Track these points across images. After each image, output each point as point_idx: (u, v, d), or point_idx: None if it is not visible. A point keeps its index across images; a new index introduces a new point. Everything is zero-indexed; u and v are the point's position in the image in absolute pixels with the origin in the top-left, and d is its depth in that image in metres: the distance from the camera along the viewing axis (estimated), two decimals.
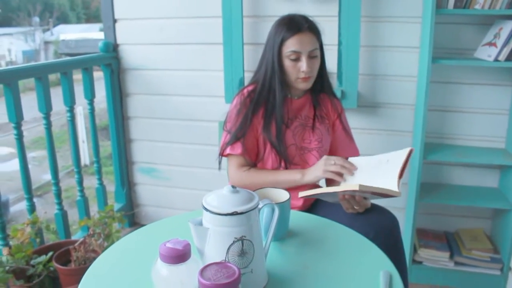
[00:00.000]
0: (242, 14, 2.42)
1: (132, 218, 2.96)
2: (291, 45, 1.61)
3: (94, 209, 2.70)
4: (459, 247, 2.44)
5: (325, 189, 1.40)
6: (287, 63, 1.63)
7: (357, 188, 1.24)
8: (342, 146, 1.82)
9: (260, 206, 0.99)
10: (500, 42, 2.14)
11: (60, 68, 2.35)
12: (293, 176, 1.62)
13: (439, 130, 2.47)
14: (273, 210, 1.06)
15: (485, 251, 2.40)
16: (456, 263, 2.41)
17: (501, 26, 2.17)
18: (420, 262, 2.45)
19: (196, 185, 2.81)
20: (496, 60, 2.14)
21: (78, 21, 28.54)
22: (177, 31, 2.63)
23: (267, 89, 1.67)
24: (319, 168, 1.54)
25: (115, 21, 2.72)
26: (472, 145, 2.47)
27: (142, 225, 2.90)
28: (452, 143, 2.49)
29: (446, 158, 2.35)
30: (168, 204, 2.91)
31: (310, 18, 1.70)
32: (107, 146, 2.76)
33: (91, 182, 2.73)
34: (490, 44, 2.19)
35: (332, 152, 1.81)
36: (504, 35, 2.13)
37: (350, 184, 1.36)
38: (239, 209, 0.93)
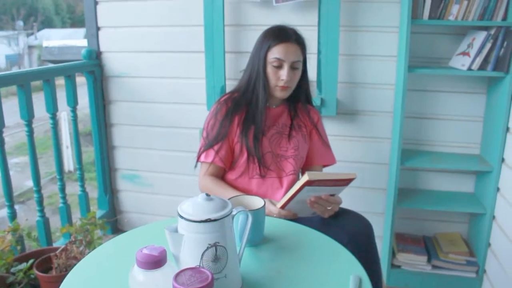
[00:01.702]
0: (223, 23, 2.46)
1: (115, 225, 2.97)
2: (276, 52, 1.67)
3: (77, 215, 2.72)
4: (436, 251, 2.50)
5: (288, 194, 1.46)
6: (269, 69, 1.69)
7: (307, 178, 1.31)
8: (318, 154, 1.86)
9: (234, 213, 1.03)
10: (473, 52, 2.21)
11: (42, 76, 2.36)
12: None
13: (416, 136, 2.53)
14: (247, 217, 1.09)
15: (462, 254, 2.45)
16: (434, 267, 2.47)
17: (474, 36, 2.24)
18: (399, 266, 2.50)
19: (179, 191, 2.84)
20: (469, 69, 2.21)
21: (63, 25, 28.33)
22: (160, 39, 2.66)
23: (250, 94, 1.73)
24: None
25: (98, 28, 2.74)
26: (448, 151, 2.53)
27: (125, 232, 2.93)
28: (429, 149, 2.55)
29: (423, 164, 2.41)
30: (151, 211, 2.93)
31: (299, 33, 1.76)
32: (91, 152, 2.77)
33: (75, 189, 2.73)
34: (464, 53, 2.26)
35: (308, 160, 1.86)
36: (476, 45, 2.20)
37: (301, 179, 1.39)
38: (213, 216, 0.96)
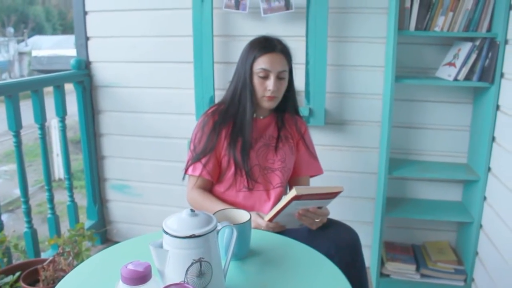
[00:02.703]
0: (212, 33, 2.47)
1: (104, 235, 2.96)
2: (262, 62, 1.67)
3: (67, 223, 2.71)
4: (425, 260, 2.51)
5: (275, 208, 1.46)
6: (256, 80, 1.69)
7: (295, 193, 1.32)
8: (305, 165, 1.87)
9: (219, 228, 1.03)
10: (459, 63, 2.23)
11: (31, 86, 2.35)
12: None
13: (404, 146, 2.55)
14: (232, 231, 1.10)
15: (450, 263, 2.47)
16: (422, 275, 2.48)
17: (459, 47, 2.27)
18: (388, 275, 2.51)
19: (168, 201, 2.84)
20: (455, 79, 2.24)
21: (54, 32, 28.21)
22: (149, 50, 2.67)
23: (237, 106, 1.72)
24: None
25: (87, 38, 2.75)
26: (436, 160, 2.56)
27: (115, 242, 2.91)
28: (417, 159, 2.57)
29: (411, 174, 2.43)
30: (141, 221, 2.92)
31: (284, 43, 1.76)
32: (82, 160, 2.77)
33: (65, 197, 2.72)
34: (450, 64, 2.29)
35: (295, 171, 1.86)
36: (462, 56, 2.23)
37: (289, 194, 1.40)
38: (197, 232, 0.97)
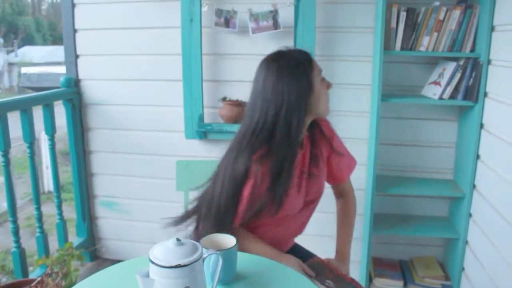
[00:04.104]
0: (201, 52, 2.50)
1: (94, 252, 2.95)
2: (318, 71, 1.48)
3: (56, 237, 2.69)
4: (412, 276, 2.54)
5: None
6: (321, 92, 1.47)
7: None
8: (344, 169, 1.75)
9: (204, 255, 1.05)
10: (443, 82, 2.28)
11: (20, 105, 2.35)
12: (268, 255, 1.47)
13: (391, 163, 2.58)
14: (218, 259, 1.11)
15: (437, 278, 2.50)
16: None
17: (444, 66, 2.32)
18: None
19: (157, 218, 2.82)
20: (441, 98, 2.28)
21: (44, 42, 28.16)
22: (139, 68, 2.68)
23: (281, 142, 1.42)
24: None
25: (77, 56, 2.76)
26: (422, 176, 2.59)
27: (104, 260, 2.92)
28: (404, 175, 2.60)
29: (398, 191, 2.46)
30: (130, 238, 2.92)
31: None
32: (71, 173, 2.77)
33: (54, 210, 2.71)
34: (435, 83, 2.33)
35: (335, 179, 1.76)
36: (447, 75, 2.27)
37: None
38: (183, 261, 0.98)
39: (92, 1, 2.67)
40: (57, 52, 21.69)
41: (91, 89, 2.78)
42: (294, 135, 1.42)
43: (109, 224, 2.95)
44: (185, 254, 1.00)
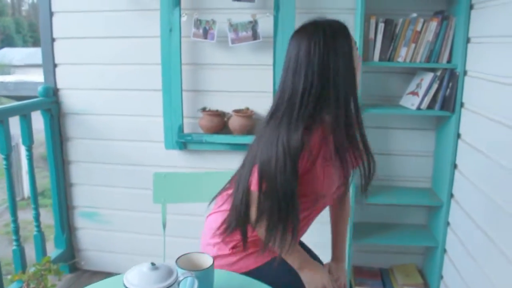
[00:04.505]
0: (180, 62, 2.49)
1: (73, 264, 2.92)
2: (352, 37, 1.39)
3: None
4: (392, 284, 2.56)
5: None
6: (356, 58, 1.40)
7: None
8: None
9: (180, 278, 1.04)
10: (421, 92, 2.30)
11: None
12: (295, 264, 1.49)
13: None
14: (193, 281, 1.11)
15: (416, 286, 2.52)
16: None
17: (422, 77, 2.34)
18: None
19: (138, 229, 2.82)
20: (418, 108, 2.31)
21: (25, 44, 27.72)
22: (118, 77, 2.66)
23: (335, 111, 1.35)
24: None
25: (55, 65, 2.72)
26: (401, 185, 2.61)
27: (84, 271, 2.89)
28: (383, 184, 2.62)
29: (378, 200, 2.47)
30: (110, 249, 2.89)
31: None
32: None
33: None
34: (413, 93, 2.36)
35: None
36: (424, 85, 2.30)
37: None
38: (158, 286, 0.97)
39: (71, 9, 2.64)
40: (38, 54, 21.29)
41: (70, 98, 2.75)
42: (344, 104, 1.34)
43: (89, 235, 2.92)
44: (160, 278, 1.00)
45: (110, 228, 2.87)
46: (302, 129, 1.29)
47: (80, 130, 2.77)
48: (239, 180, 1.39)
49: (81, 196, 2.87)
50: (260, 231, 1.38)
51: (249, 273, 1.46)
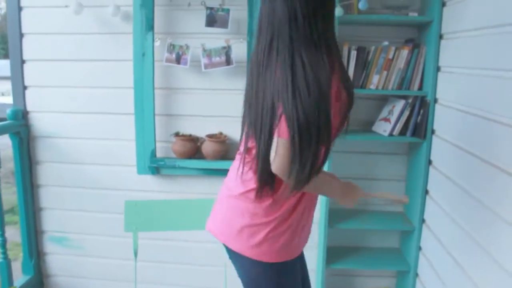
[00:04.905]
0: (153, 86, 2.47)
1: None
2: None
3: None
4: None
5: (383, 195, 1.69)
6: None
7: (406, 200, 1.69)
8: None
9: None
10: (393, 119, 2.33)
11: None
12: (333, 193, 1.54)
13: None
14: None
15: None
16: None
17: (394, 104, 2.37)
18: None
19: (110, 253, 2.76)
20: (390, 135, 2.33)
21: None
22: (89, 100, 2.62)
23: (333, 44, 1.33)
24: (353, 199, 1.56)
25: (25, 87, 2.67)
26: (374, 209, 2.63)
27: None
28: (356, 208, 2.63)
29: (351, 225, 2.47)
30: (82, 274, 2.82)
31: None
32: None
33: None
34: (385, 119, 2.38)
35: None
36: (396, 112, 2.33)
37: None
38: None
39: (41, 31, 2.60)
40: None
41: (40, 121, 2.69)
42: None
43: (59, 260, 2.84)
44: None
45: (81, 253, 2.80)
46: (327, 63, 1.23)
47: (50, 153, 2.71)
48: (258, 129, 1.29)
49: (50, 221, 2.80)
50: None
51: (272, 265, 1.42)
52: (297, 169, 1.23)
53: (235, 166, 1.47)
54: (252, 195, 1.38)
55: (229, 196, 1.47)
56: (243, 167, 1.40)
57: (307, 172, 1.23)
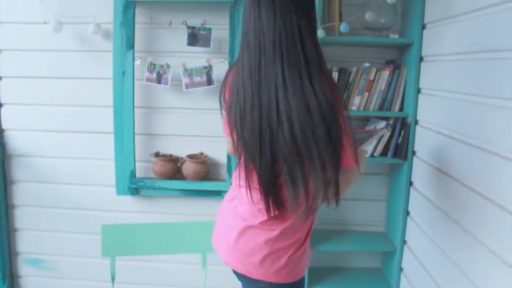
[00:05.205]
0: (133, 105, 2.43)
1: None
2: None
3: None
4: None
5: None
6: None
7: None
8: None
9: None
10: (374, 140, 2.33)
11: None
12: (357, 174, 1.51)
13: (325, 216, 2.58)
14: None
15: None
16: None
17: (375, 125, 2.38)
18: None
19: (87, 275, 2.70)
20: (372, 156, 2.33)
21: None
22: (67, 118, 2.56)
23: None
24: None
25: (0, 105, 2.60)
26: (356, 229, 2.63)
27: None
28: (338, 228, 2.62)
29: (332, 247, 2.45)
30: None
31: None
32: None
33: None
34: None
35: None
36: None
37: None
38: None
39: (18, 47, 2.54)
40: None
41: (16, 139, 2.62)
42: None
43: (34, 283, 2.76)
44: None
45: (57, 275, 2.72)
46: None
47: (26, 172, 2.64)
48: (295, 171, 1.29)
49: (25, 242, 2.72)
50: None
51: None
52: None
53: (242, 195, 1.46)
54: (272, 222, 1.41)
55: (247, 227, 1.45)
56: (251, 195, 1.40)
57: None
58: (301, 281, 1.51)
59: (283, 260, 1.42)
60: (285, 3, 1.26)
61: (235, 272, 1.52)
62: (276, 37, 1.26)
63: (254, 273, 1.43)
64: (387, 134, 2.31)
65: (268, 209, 1.37)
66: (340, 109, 1.30)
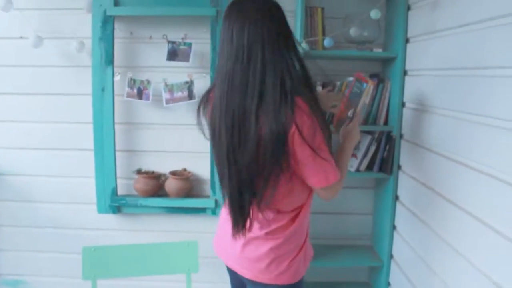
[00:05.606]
0: (113, 121, 2.38)
1: None
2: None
3: None
4: None
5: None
6: None
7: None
8: None
9: None
10: (360, 154, 2.31)
11: None
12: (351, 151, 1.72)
13: (315, 231, 2.55)
14: None
15: None
16: None
17: (360, 139, 2.34)
18: None
19: None
20: (357, 170, 2.30)
21: None
22: (46, 136, 2.50)
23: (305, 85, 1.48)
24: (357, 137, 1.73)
25: None
26: (343, 244, 2.59)
27: None
28: (324, 243, 2.57)
29: (318, 264, 2.40)
30: None
31: None
32: None
33: None
34: (352, 155, 2.35)
35: None
36: (362, 148, 2.31)
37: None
38: None
39: None
40: None
41: None
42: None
43: None
44: None
45: None
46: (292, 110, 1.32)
47: (3, 191, 2.56)
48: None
49: (4, 263, 2.64)
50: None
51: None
52: None
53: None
54: (278, 231, 1.49)
55: (253, 238, 1.51)
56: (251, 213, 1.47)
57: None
58: (301, 281, 1.58)
59: (286, 263, 1.50)
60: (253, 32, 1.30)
61: (235, 273, 1.60)
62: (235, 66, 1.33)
63: (261, 278, 1.51)
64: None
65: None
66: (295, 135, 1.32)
